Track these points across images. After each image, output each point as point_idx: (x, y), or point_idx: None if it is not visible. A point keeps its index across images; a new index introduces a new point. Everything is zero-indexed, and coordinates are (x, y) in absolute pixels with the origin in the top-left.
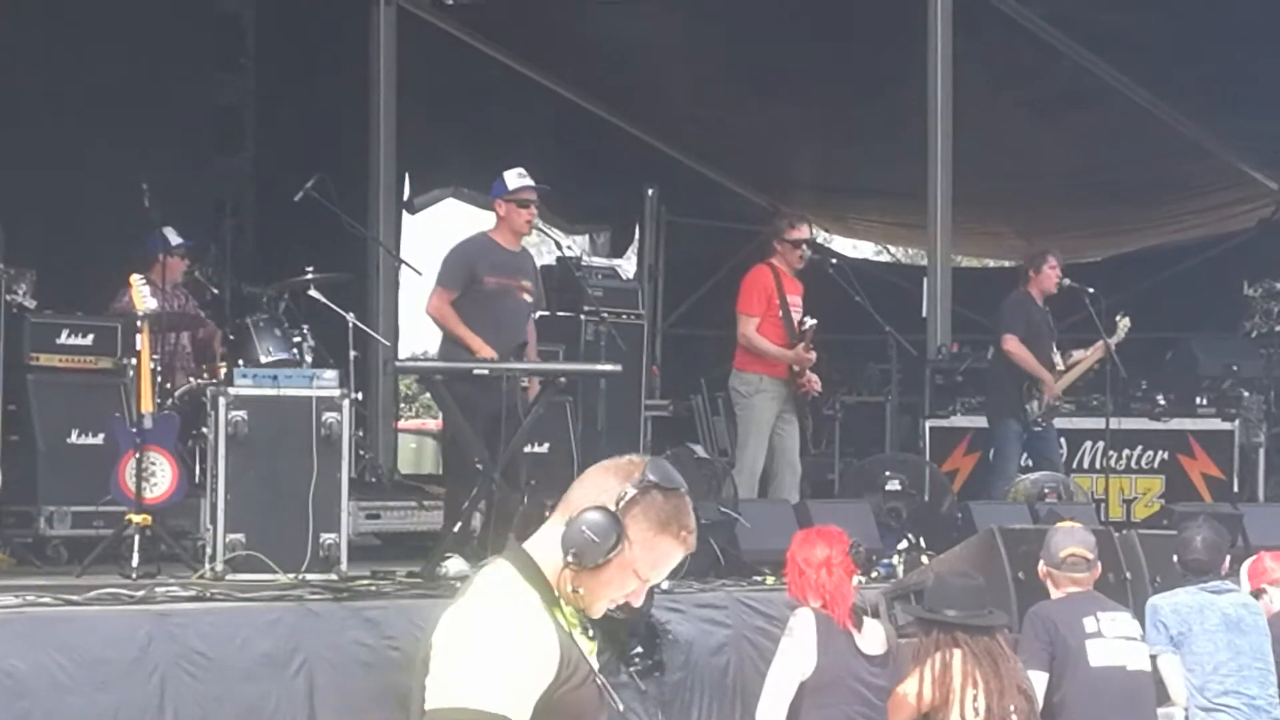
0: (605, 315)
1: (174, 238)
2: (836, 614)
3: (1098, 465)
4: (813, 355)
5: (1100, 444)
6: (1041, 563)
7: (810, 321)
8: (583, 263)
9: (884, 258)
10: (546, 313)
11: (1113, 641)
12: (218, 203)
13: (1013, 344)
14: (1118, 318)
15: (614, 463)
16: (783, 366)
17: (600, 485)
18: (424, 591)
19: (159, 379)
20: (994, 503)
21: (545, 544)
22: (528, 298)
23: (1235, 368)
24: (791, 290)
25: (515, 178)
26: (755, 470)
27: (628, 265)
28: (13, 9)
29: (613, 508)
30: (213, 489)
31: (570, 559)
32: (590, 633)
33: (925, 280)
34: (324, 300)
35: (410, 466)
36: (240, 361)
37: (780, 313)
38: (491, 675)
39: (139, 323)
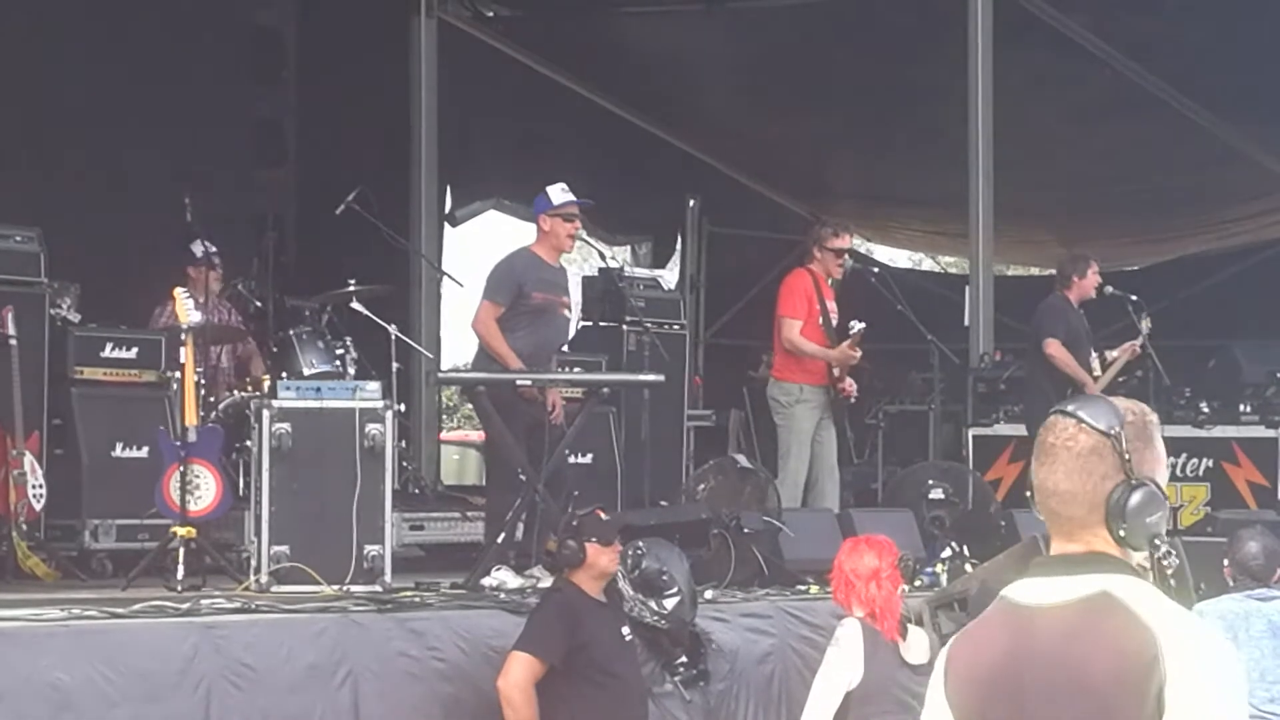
0: (648, 325)
1: (198, 248)
2: (884, 627)
3: None
4: (857, 354)
5: None
6: None
7: (859, 325)
8: (625, 273)
9: (926, 266)
10: (589, 323)
11: None
12: (259, 216)
13: (1055, 347)
14: (1140, 318)
15: None
16: (821, 373)
17: None
18: (468, 603)
19: (202, 392)
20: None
21: None
22: (567, 313)
23: (1279, 375)
24: (829, 296)
25: (559, 193)
26: (799, 481)
27: (670, 276)
28: (54, 24)
29: None
30: (257, 501)
31: None
32: None
33: (967, 288)
34: (366, 312)
35: (453, 478)
36: (283, 374)
37: (820, 318)
38: None
39: (183, 336)
